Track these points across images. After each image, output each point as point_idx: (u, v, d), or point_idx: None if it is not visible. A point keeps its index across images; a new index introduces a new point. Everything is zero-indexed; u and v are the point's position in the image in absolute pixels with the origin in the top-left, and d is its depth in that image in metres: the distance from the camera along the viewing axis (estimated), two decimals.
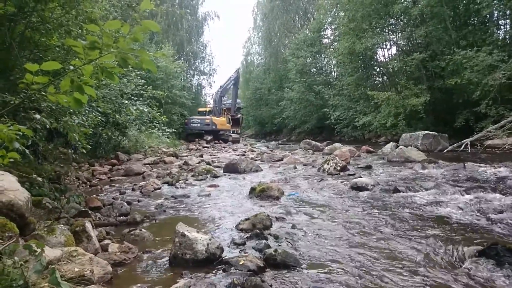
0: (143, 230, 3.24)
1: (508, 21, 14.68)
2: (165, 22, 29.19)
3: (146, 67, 1.60)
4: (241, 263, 2.35)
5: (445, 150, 10.37)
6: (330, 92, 23.45)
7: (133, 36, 1.55)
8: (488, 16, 14.06)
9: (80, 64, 1.59)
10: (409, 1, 15.86)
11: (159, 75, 19.69)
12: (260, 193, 4.88)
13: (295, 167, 8.04)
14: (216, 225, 3.62)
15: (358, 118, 18.62)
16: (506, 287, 2.08)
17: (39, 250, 1.66)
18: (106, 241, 2.90)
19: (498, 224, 3.25)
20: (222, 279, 2.19)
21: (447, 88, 14.02)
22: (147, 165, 9.07)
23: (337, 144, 12.21)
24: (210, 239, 2.59)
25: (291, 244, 2.89)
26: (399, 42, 18.42)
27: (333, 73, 28.60)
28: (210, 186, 5.93)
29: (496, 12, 14.17)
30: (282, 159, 9.98)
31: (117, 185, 6.16)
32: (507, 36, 14.39)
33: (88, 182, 6.16)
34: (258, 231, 3.12)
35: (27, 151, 2.38)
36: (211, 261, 2.48)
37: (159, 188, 5.79)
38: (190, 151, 15.46)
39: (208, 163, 9.28)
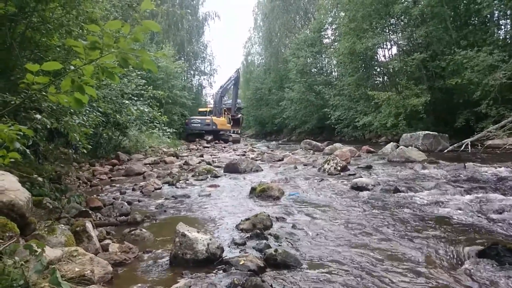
0: (143, 230, 3.24)
1: (508, 21, 14.67)
2: (165, 22, 29.21)
3: (146, 67, 1.60)
4: (241, 263, 2.35)
5: (446, 150, 10.36)
6: (331, 92, 23.44)
7: (133, 36, 1.55)
8: (488, 16, 14.06)
9: (81, 64, 1.59)
10: (409, 1, 15.85)
11: (160, 75, 19.70)
12: (260, 193, 4.88)
13: (295, 167, 8.04)
14: (217, 225, 3.63)
15: (359, 118, 18.61)
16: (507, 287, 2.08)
17: (39, 250, 1.66)
18: (107, 241, 2.90)
19: (499, 224, 3.25)
20: (223, 279, 2.19)
21: (447, 88, 14.02)
22: (148, 165, 9.08)
23: (337, 144, 12.21)
24: (210, 239, 2.59)
25: (292, 244, 2.89)
26: (399, 42, 18.41)
27: (333, 73, 28.60)
28: (211, 186, 5.93)
29: (497, 12, 14.16)
30: (282, 159, 9.98)
31: (117, 185, 6.16)
32: (507, 36, 14.38)
33: (88, 182, 6.16)
34: (258, 231, 3.12)
35: (27, 151, 2.38)
36: (212, 261, 2.48)
37: (160, 188, 5.79)
38: (190, 151, 15.46)
39: (209, 163, 9.28)
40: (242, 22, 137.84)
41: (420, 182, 5.32)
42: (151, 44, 22.97)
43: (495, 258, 2.37)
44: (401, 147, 9.27)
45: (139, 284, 2.20)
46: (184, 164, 9.31)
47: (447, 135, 11.53)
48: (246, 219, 3.44)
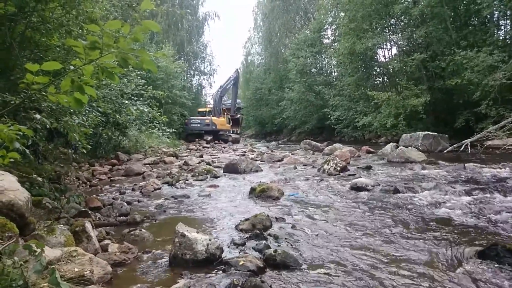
0: (143, 230, 3.24)
1: (508, 21, 14.66)
2: (165, 22, 29.21)
3: (146, 67, 1.60)
4: (241, 263, 2.35)
5: (445, 151, 10.36)
6: (331, 93, 23.43)
7: (133, 36, 1.54)
8: (488, 16, 14.04)
9: (81, 64, 1.59)
10: (409, 2, 15.85)
11: (160, 75, 19.70)
12: (260, 193, 4.88)
13: (295, 168, 8.04)
14: (216, 225, 3.62)
15: (358, 119, 18.61)
16: None
17: (39, 250, 1.66)
18: (106, 241, 2.90)
19: (498, 224, 3.25)
20: (222, 279, 2.19)
21: (447, 89, 14.01)
22: (147, 165, 9.07)
23: (337, 145, 12.21)
24: (210, 240, 2.59)
25: (291, 245, 2.89)
26: (399, 43, 18.40)
27: (333, 73, 28.58)
28: (210, 186, 5.93)
29: (497, 12, 14.15)
30: (282, 160, 9.98)
31: (117, 185, 6.16)
32: (507, 37, 14.37)
33: (88, 182, 6.16)
34: (258, 231, 3.12)
35: (27, 151, 2.38)
36: (211, 261, 2.48)
37: (159, 188, 5.79)
38: (190, 151, 15.46)
39: (208, 163, 9.28)
40: (242, 22, 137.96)
41: (419, 183, 5.32)
42: (151, 44, 22.97)
43: (494, 259, 2.37)
44: (401, 147, 9.27)
45: (139, 285, 2.20)
46: (183, 164, 9.31)
47: (446, 135, 11.53)
48: (246, 220, 3.44)
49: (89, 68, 1.59)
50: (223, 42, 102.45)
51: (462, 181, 5.37)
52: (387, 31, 18.58)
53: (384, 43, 19.11)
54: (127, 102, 8.43)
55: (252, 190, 5.05)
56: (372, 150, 11.59)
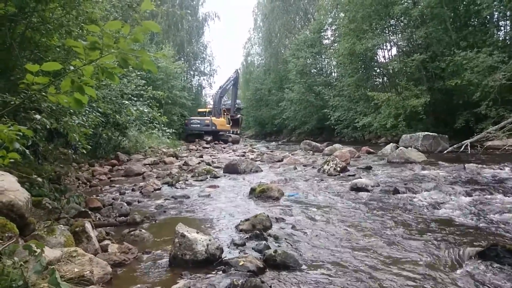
0: (143, 230, 3.24)
1: (508, 22, 14.68)
2: (165, 22, 29.21)
3: (146, 67, 1.60)
4: (241, 263, 2.35)
5: (445, 151, 10.37)
6: (330, 93, 23.43)
7: (133, 37, 1.55)
8: (488, 17, 14.06)
9: (81, 65, 1.59)
10: (409, 2, 15.86)
11: (160, 75, 19.71)
12: (260, 193, 4.88)
13: (295, 168, 8.04)
14: (216, 225, 3.62)
15: (358, 119, 18.61)
16: None
17: (39, 250, 1.66)
18: (106, 242, 2.90)
19: (498, 225, 3.25)
20: (222, 279, 2.19)
21: (447, 89, 14.02)
22: (147, 165, 9.08)
23: (337, 145, 12.20)
24: (210, 240, 2.59)
25: (291, 245, 2.89)
26: (399, 43, 18.41)
27: (333, 74, 28.60)
28: (210, 186, 5.93)
29: (497, 13, 14.17)
30: (282, 160, 9.98)
31: (117, 185, 6.16)
32: (507, 37, 14.38)
33: (88, 183, 6.16)
34: (258, 232, 3.12)
35: (27, 151, 2.38)
36: (211, 261, 2.48)
37: (159, 189, 5.79)
38: (190, 151, 15.46)
39: (208, 164, 9.28)
40: (242, 22, 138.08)
41: (419, 183, 5.32)
42: (151, 45, 22.98)
43: (494, 259, 2.37)
44: (401, 148, 9.27)
45: (139, 285, 2.20)
46: (183, 165, 9.31)
47: (446, 136, 11.53)
48: (246, 220, 3.44)
49: (89, 69, 1.59)
50: (223, 42, 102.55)
51: (462, 181, 5.37)
52: (387, 32, 18.59)
53: (384, 44, 19.13)
54: (127, 102, 8.44)
55: (252, 190, 5.05)
56: (372, 150, 11.59)
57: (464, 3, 14.46)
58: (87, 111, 5.42)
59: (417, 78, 16.21)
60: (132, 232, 3.17)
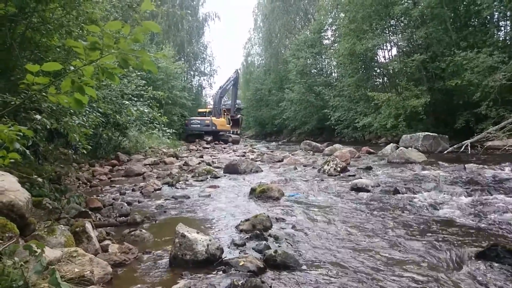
0: (143, 230, 3.24)
1: (508, 22, 14.67)
2: (165, 23, 29.23)
3: (146, 67, 1.60)
4: (241, 264, 2.35)
5: (445, 151, 10.37)
6: (331, 93, 23.43)
7: (133, 37, 1.55)
8: (488, 17, 14.06)
9: (81, 65, 1.59)
10: (409, 2, 15.86)
11: (160, 75, 19.72)
12: (260, 194, 4.88)
13: (295, 168, 8.04)
14: (216, 226, 3.62)
15: (359, 119, 18.61)
16: None
17: (39, 250, 1.66)
18: (106, 242, 2.90)
19: (498, 225, 3.25)
20: (222, 280, 2.19)
21: (447, 89, 14.02)
22: (148, 165, 9.08)
23: (337, 145, 12.21)
24: (210, 240, 2.59)
25: (291, 245, 2.89)
26: (399, 43, 18.41)
27: (333, 74, 28.62)
28: (210, 186, 5.93)
29: (497, 13, 14.17)
30: (282, 160, 9.98)
31: (117, 185, 6.16)
32: (507, 38, 14.38)
33: (88, 183, 6.16)
34: (258, 232, 3.12)
35: (27, 151, 2.38)
36: (211, 262, 2.48)
37: (159, 189, 5.79)
38: (190, 151, 15.46)
39: (208, 164, 9.28)
40: (242, 23, 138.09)
41: (419, 184, 5.32)
42: (151, 45, 22.99)
43: (494, 259, 2.37)
44: (401, 148, 9.27)
45: (139, 285, 2.20)
46: (184, 165, 9.31)
47: (447, 136, 11.53)
48: (246, 220, 3.44)
49: (89, 69, 1.59)
50: (223, 43, 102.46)
51: (462, 182, 5.37)
52: (387, 32, 18.60)
53: (384, 44, 19.13)
54: (127, 102, 8.44)
55: (252, 190, 5.05)
56: (372, 150, 11.59)
57: (464, 3, 14.47)
58: (87, 111, 5.43)
59: (417, 78, 16.21)
60: (132, 232, 3.17)
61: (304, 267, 2.44)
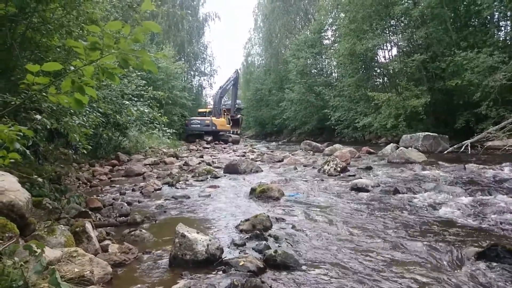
0: (143, 230, 3.24)
1: (508, 22, 14.67)
2: (166, 23, 29.25)
3: (147, 68, 1.60)
4: (241, 264, 2.35)
5: (446, 151, 10.37)
6: (331, 93, 23.43)
7: (134, 37, 1.55)
8: (488, 17, 14.06)
9: (81, 65, 1.59)
10: (409, 3, 15.86)
11: (160, 76, 19.71)
12: (260, 194, 4.88)
13: (295, 168, 8.04)
14: (216, 225, 3.62)
15: (359, 119, 18.62)
16: None
17: (39, 250, 1.66)
18: (106, 242, 2.90)
19: (498, 225, 3.25)
20: (222, 280, 2.19)
21: (447, 90, 14.02)
22: (148, 165, 9.08)
23: (337, 145, 12.20)
24: (210, 240, 2.59)
25: (291, 245, 2.89)
26: (399, 43, 18.42)
27: (333, 74, 28.62)
28: (211, 186, 5.93)
29: (497, 13, 14.17)
30: (282, 160, 9.98)
31: (117, 185, 6.16)
32: (507, 38, 14.38)
33: (88, 183, 6.17)
34: (258, 232, 3.12)
35: (27, 151, 2.38)
36: (211, 262, 2.48)
37: (160, 189, 5.79)
38: (190, 151, 15.46)
39: (209, 164, 9.28)
40: (242, 23, 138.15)
41: (420, 184, 5.32)
42: (152, 45, 22.99)
43: (494, 259, 2.37)
44: (401, 148, 9.27)
45: (139, 285, 2.20)
46: (184, 165, 9.31)
47: (447, 136, 11.53)
48: (246, 220, 3.44)
49: (89, 69, 1.59)
50: (223, 43, 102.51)
51: (462, 182, 5.37)
52: (387, 32, 18.60)
53: (384, 44, 19.13)
54: (127, 102, 8.44)
55: (252, 190, 5.05)
56: (372, 150, 11.59)
57: (465, 3, 14.47)
58: (87, 111, 5.43)
59: (417, 78, 16.21)
60: (132, 232, 3.17)
61: (304, 267, 2.44)
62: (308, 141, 14.97)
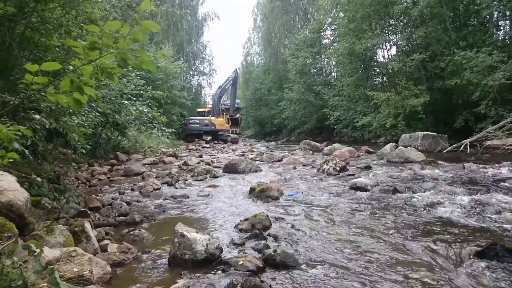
0: (142, 230, 3.24)
1: (507, 22, 14.67)
2: (165, 22, 29.22)
3: (146, 67, 1.60)
4: (240, 263, 2.36)
5: (445, 151, 10.38)
6: (330, 93, 23.42)
7: (133, 37, 1.55)
8: (487, 17, 14.06)
9: (80, 65, 1.59)
10: (409, 2, 15.86)
11: (159, 75, 19.70)
12: (259, 193, 4.88)
13: (294, 168, 8.04)
14: (216, 225, 3.63)
15: (358, 119, 18.62)
16: None
17: (38, 250, 1.66)
18: (105, 241, 2.90)
19: (497, 224, 3.25)
20: (221, 279, 2.19)
21: (446, 89, 14.02)
22: (147, 165, 9.07)
23: (336, 145, 12.19)
24: (209, 240, 2.59)
25: (290, 245, 2.90)
26: (398, 43, 18.41)
27: (332, 73, 28.59)
28: (210, 186, 5.93)
29: (496, 13, 14.17)
30: (281, 160, 9.98)
31: (116, 185, 6.16)
32: (506, 37, 14.39)
33: (87, 182, 6.16)
34: (257, 231, 3.12)
35: (26, 151, 2.38)
36: (210, 261, 2.48)
37: (159, 189, 5.79)
38: (189, 151, 15.46)
39: (208, 164, 9.28)
40: (241, 22, 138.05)
41: (419, 183, 5.33)
42: (151, 44, 22.99)
43: (493, 259, 2.37)
44: (400, 147, 9.27)
45: (138, 285, 2.20)
46: (183, 165, 9.31)
47: (446, 135, 11.53)
48: (245, 220, 3.44)
49: (88, 69, 1.59)
50: (222, 42, 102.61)
51: (461, 181, 5.38)
52: (386, 32, 18.60)
53: (384, 44, 19.14)
54: (126, 102, 8.43)
55: (252, 190, 5.05)
56: (371, 150, 11.59)
57: (464, 2, 14.47)
58: (86, 111, 5.42)
59: (416, 77, 16.21)
60: (131, 232, 3.17)
61: (303, 266, 2.45)
62: (307, 140, 14.97)
